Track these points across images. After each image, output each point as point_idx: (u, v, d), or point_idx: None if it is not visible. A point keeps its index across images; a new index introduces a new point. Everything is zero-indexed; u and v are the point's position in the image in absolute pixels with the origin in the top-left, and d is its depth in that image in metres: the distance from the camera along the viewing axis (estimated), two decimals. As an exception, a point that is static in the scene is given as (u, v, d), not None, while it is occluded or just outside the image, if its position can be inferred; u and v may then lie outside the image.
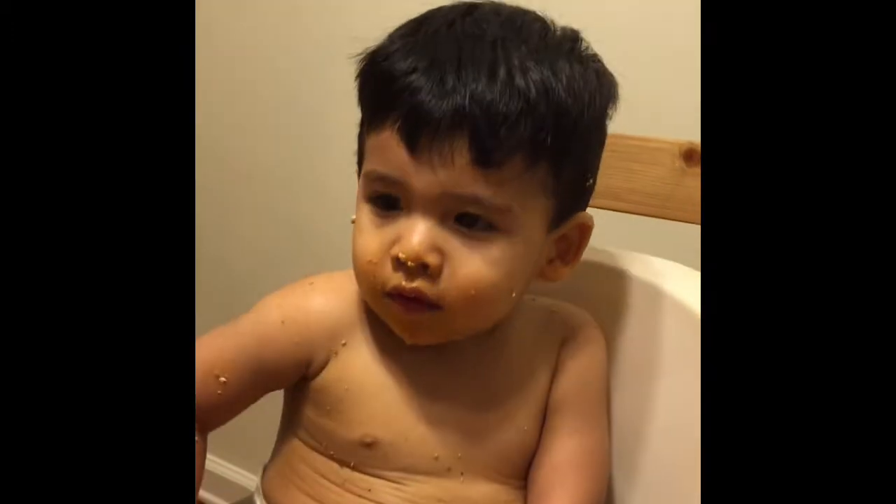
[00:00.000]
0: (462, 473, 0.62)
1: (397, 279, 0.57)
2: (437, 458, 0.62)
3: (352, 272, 0.63)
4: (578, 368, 0.66)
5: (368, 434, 0.61)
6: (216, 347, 0.62)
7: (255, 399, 0.64)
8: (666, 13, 0.96)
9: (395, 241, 0.57)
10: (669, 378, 0.67)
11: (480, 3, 0.61)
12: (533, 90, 0.55)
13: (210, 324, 0.63)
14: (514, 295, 0.60)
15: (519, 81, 0.55)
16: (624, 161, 0.77)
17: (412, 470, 0.61)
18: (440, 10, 0.60)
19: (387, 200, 0.58)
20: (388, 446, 0.61)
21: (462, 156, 0.54)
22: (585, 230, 0.63)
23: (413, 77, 0.55)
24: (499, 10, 0.60)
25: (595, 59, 0.62)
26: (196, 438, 0.61)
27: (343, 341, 0.63)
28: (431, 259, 0.56)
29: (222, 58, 1.35)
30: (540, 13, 0.62)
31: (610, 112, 0.62)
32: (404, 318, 0.59)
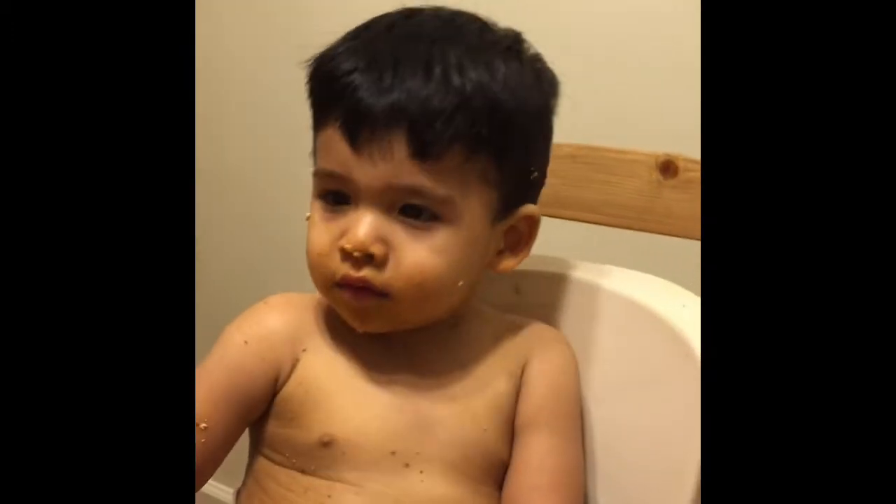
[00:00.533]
0: (422, 472, 0.62)
1: (345, 269, 0.59)
2: (394, 454, 0.61)
3: (307, 293, 0.66)
4: (548, 384, 0.66)
5: (327, 433, 0.62)
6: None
7: (235, 439, 0.65)
8: (645, 26, 0.96)
9: (343, 233, 0.59)
10: (645, 391, 0.66)
11: (421, 8, 0.64)
12: (468, 87, 0.58)
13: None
14: (460, 284, 0.62)
15: (454, 79, 0.58)
16: (601, 173, 0.77)
17: (370, 468, 0.61)
18: (384, 15, 0.63)
19: (335, 196, 0.61)
20: (346, 443, 0.61)
21: (401, 149, 0.57)
22: (533, 222, 0.65)
23: (353, 77, 0.58)
24: (438, 13, 0.63)
25: (536, 58, 0.64)
26: None
27: (303, 347, 0.65)
28: (376, 249, 0.59)
29: (207, 64, 1.34)
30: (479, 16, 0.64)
31: (552, 105, 0.65)
32: (353, 306, 0.61)
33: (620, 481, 0.67)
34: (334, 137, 0.59)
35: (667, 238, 0.75)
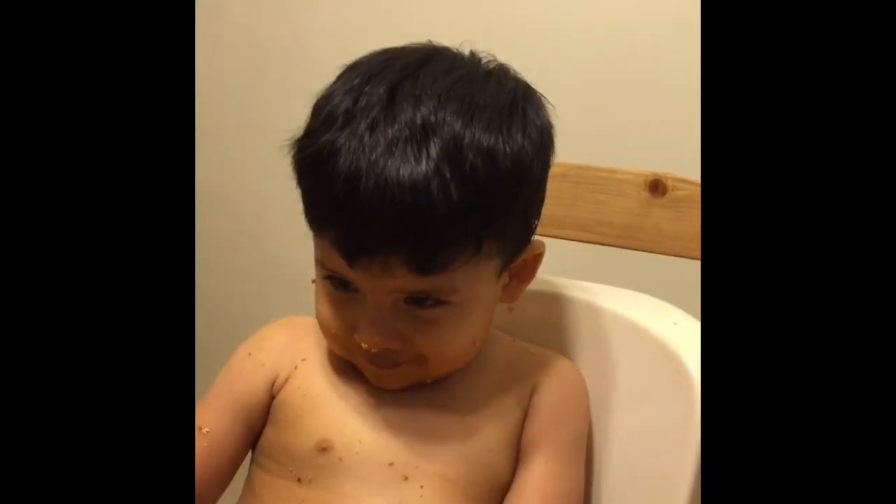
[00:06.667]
0: (422, 486, 0.61)
1: (364, 353, 0.60)
2: (392, 465, 0.61)
3: (312, 319, 0.66)
4: (553, 408, 0.66)
5: (325, 438, 0.62)
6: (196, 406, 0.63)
7: (243, 450, 0.65)
8: (634, 47, 0.97)
9: (355, 324, 0.60)
10: (636, 407, 0.67)
11: (431, 61, 0.59)
12: (471, 189, 0.53)
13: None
14: (476, 344, 0.63)
15: (456, 176, 0.53)
16: (591, 192, 0.77)
17: (368, 479, 0.61)
18: (385, 68, 0.58)
19: (341, 282, 0.60)
20: (343, 450, 0.61)
21: (401, 268, 0.55)
22: (538, 256, 0.65)
23: (342, 187, 0.53)
24: (451, 67, 0.58)
25: (537, 107, 0.61)
26: None
27: (303, 357, 0.67)
28: (393, 345, 0.59)
29: (208, 80, 1.34)
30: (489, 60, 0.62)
31: (552, 159, 0.63)
32: (376, 373, 0.62)
33: (614, 495, 0.67)
34: (332, 252, 0.57)
35: (657, 256, 0.76)
